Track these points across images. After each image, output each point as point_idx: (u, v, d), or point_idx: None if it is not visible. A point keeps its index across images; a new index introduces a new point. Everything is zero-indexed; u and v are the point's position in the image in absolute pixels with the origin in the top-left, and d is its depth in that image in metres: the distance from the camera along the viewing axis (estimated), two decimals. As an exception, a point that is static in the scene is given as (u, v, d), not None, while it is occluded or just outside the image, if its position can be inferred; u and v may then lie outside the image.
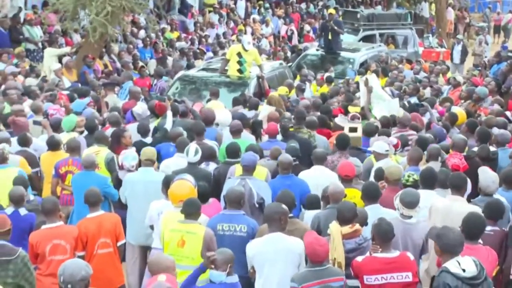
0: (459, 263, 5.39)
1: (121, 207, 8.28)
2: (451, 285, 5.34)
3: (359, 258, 5.97)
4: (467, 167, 8.05)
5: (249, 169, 7.84)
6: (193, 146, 8.46)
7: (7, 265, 5.99)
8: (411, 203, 6.55)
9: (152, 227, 7.47)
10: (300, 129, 9.98)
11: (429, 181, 7.36)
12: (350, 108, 11.85)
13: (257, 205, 7.65)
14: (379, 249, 5.94)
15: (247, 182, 7.69)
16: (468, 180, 7.74)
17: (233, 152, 8.60)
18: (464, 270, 5.34)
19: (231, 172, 8.27)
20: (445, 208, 6.70)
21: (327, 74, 16.38)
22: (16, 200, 7.21)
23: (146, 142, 9.64)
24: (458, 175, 7.22)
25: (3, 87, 12.54)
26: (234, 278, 5.74)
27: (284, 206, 6.38)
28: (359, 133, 9.81)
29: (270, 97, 12.12)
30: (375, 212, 6.83)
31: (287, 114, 11.07)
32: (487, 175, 7.45)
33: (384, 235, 5.94)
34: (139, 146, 9.38)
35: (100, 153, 8.92)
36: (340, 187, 7.13)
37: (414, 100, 13.43)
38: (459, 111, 11.65)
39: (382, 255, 5.90)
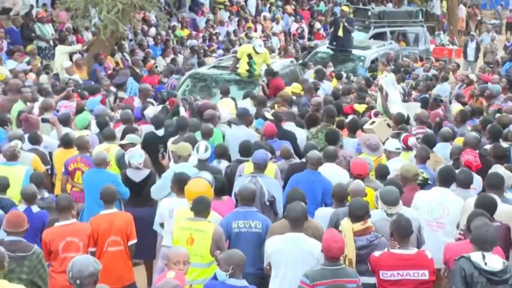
0: (483, 256, 5.41)
1: (131, 205, 8.28)
2: (466, 271, 5.39)
3: (377, 253, 5.97)
4: (480, 166, 8.00)
5: (260, 167, 7.85)
6: (203, 143, 8.49)
7: (22, 261, 6.07)
8: (394, 201, 6.57)
9: (162, 225, 7.48)
10: (328, 127, 9.94)
11: (447, 179, 7.30)
12: (356, 106, 11.85)
13: (267, 203, 7.65)
14: (396, 245, 5.94)
15: (258, 180, 7.71)
16: (479, 178, 7.70)
17: (245, 150, 8.60)
18: (486, 264, 5.36)
19: (240, 170, 8.29)
20: None
21: (335, 70, 16.35)
22: (29, 198, 7.26)
23: (158, 134, 9.71)
24: (496, 175, 7.18)
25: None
26: (237, 282, 5.63)
27: (304, 207, 6.39)
28: (372, 126, 9.77)
29: (281, 94, 12.08)
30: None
31: (291, 110, 11.07)
32: None
33: (402, 231, 5.93)
34: (151, 138, 9.48)
35: (110, 149, 8.97)
36: (362, 185, 7.11)
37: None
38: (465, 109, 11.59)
39: (399, 252, 5.91)
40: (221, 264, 5.67)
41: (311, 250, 6.17)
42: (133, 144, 8.89)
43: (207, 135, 9.42)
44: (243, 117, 10.17)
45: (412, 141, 9.00)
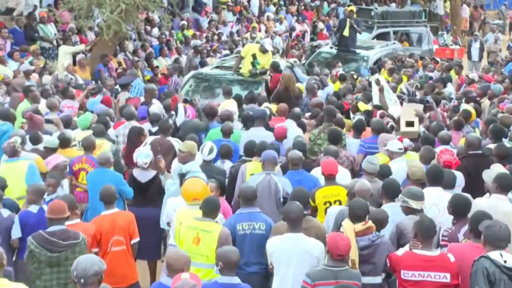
0: (501, 255, 5.42)
1: (136, 206, 8.31)
2: (489, 270, 5.37)
3: (399, 252, 5.97)
4: (459, 162, 8.00)
5: (272, 165, 7.87)
6: (208, 144, 8.52)
7: (74, 248, 6.37)
8: (422, 196, 6.58)
9: (169, 224, 7.49)
10: (330, 127, 9.91)
11: (436, 178, 7.30)
12: (360, 105, 11.82)
13: (282, 200, 7.63)
14: (419, 245, 5.92)
15: (272, 177, 7.73)
16: (461, 174, 7.72)
17: (250, 150, 8.61)
18: (505, 262, 5.37)
19: (242, 170, 8.30)
20: (490, 207, 6.55)
21: (340, 71, 16.31)
22: (41, 195, 7.31)
23: (152, 131, 9.88)
24: (506, 175, 7.14)
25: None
26: (229, 280, 5.64)
27: (301, 207, 6.41)
28: (416, 127, 9.73)
29: (282, 75, 12.21)
30: (394, 210, 6.80)
31: (297, 109, 11.04)
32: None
33: (426, 232, 5.92)
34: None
35: (103, 145, 9.05)
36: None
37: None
38: (469, 109, 11.57)
39: (422, 252, 5.88)
40: (216, 259, 5.74)
41: (310, 250, 6.19)
42: (50, 149, 8.85)
43: (227, 134, 9.54)
44: (261, 118, 10.15)
45: (407, 142, 8.98)
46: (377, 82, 11.72)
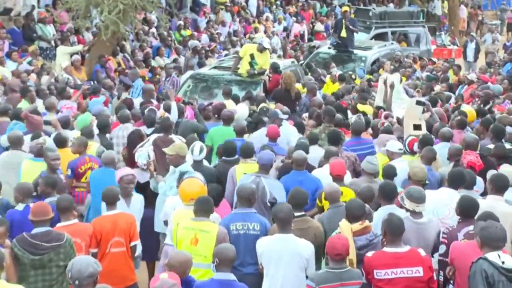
0: (499, 256, 5.40)
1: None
2: (487, 271, 5.35)
3: (369, 254, 5.96)
4: (483, 165, 7.98)
5: (265, 167, 7.86)
6: (197, 144, 8.51)
7: (58, 249, 6.28)
8: (420, 198, 6.49)
9: (166, 222, 7.47)
10: (330, 128, 9.91)
11: (457, 181, 7.24)
12: (359, 107, 11.81)
13: (268, 204, 7.63)
14: (384, 242, 5.91)
15: (262, 180, 7.70)
16: (481, 179, 7.67)
17: (230, 150, 8.63)
18: (503, 262, 5.35)
19: (231, 174, 8.28)
20: (488, 208, 6.51)
21: (339, 72, 16.32)
22: (28, 194, 7.30)
23: (147, 132, 9.86)
24: (501, 176, 7.14)
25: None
26: (225, 276, 5.68)
27: (291, 208, 6.39)
28: (424, 130, 9.73)
29: (283, 74, 12.39)
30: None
31: (285, 108, 11.04)
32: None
33: (395, 229, 5.90)
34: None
35: (91, 147, 9.05)
36: (336, 186, 7.12)
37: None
38: (468, 109, 11.56)
39: (392, 250, 5.88)
40: (213, 256, 5.77)
41: (300, 251, 6.18)
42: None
43: (240, 133, 9.60)
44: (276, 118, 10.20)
45: (417, 146, 8.94)
46: (385, 80, 11.72)
